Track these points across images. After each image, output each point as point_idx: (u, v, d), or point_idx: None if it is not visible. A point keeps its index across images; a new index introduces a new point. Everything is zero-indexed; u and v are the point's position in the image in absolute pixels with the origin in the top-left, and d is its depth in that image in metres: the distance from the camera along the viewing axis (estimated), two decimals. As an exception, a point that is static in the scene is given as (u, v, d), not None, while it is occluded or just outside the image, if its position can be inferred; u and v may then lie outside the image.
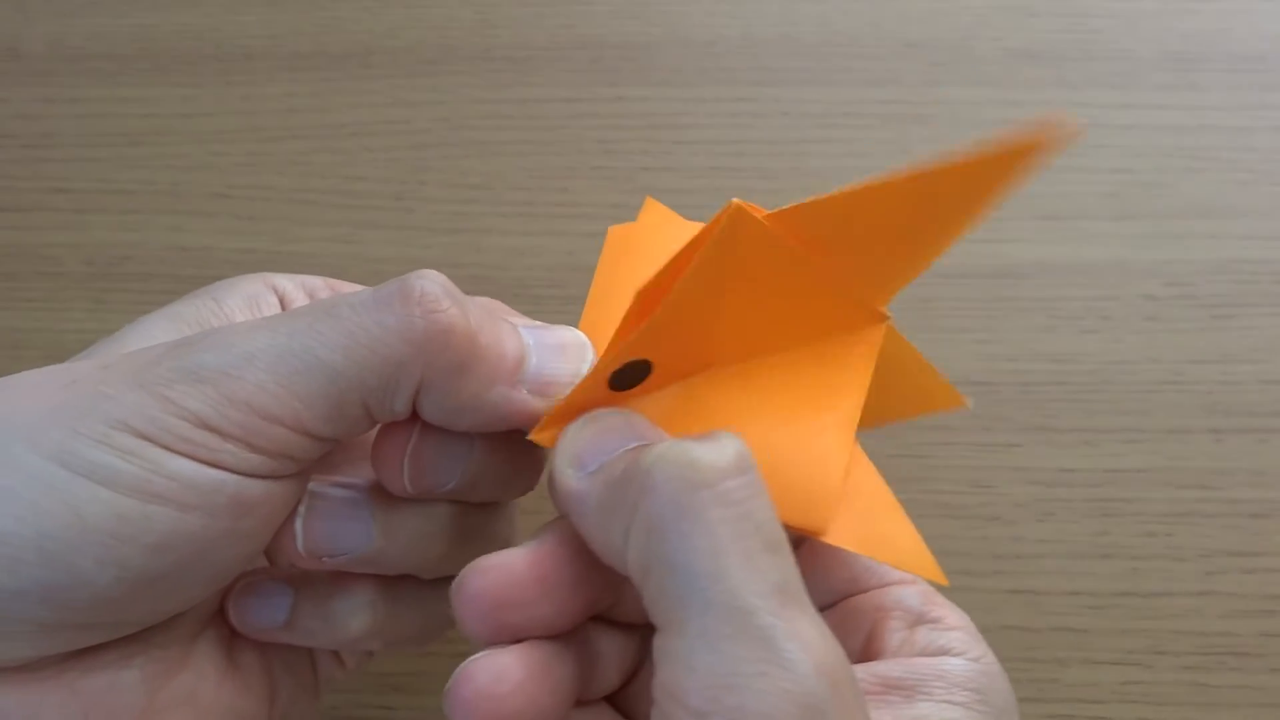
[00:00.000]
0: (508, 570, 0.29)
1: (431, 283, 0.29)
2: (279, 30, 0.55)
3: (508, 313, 0.35)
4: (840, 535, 0.31)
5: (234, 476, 0.28)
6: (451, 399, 0.29)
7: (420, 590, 0.35)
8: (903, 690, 0.30)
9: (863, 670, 0.30)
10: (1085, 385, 0.47)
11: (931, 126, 0.52)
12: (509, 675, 0.28)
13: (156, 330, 0.33)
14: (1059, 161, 0.50)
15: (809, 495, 0.30)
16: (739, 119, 0.53)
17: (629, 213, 0.38)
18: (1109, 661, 0.44)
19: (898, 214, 0.29)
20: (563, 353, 0.31)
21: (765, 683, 0.24)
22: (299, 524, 0.31)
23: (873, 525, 0.32)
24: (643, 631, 0.34)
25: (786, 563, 0.26)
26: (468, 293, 0.30)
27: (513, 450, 0.33)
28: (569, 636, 0.30)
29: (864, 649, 0.33)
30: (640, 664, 0.34)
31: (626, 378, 0.30)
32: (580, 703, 0.32)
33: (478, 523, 0.34)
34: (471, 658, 0.28)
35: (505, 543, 0.34)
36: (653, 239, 0.35)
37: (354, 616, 0.33)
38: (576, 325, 0.33)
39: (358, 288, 0.34)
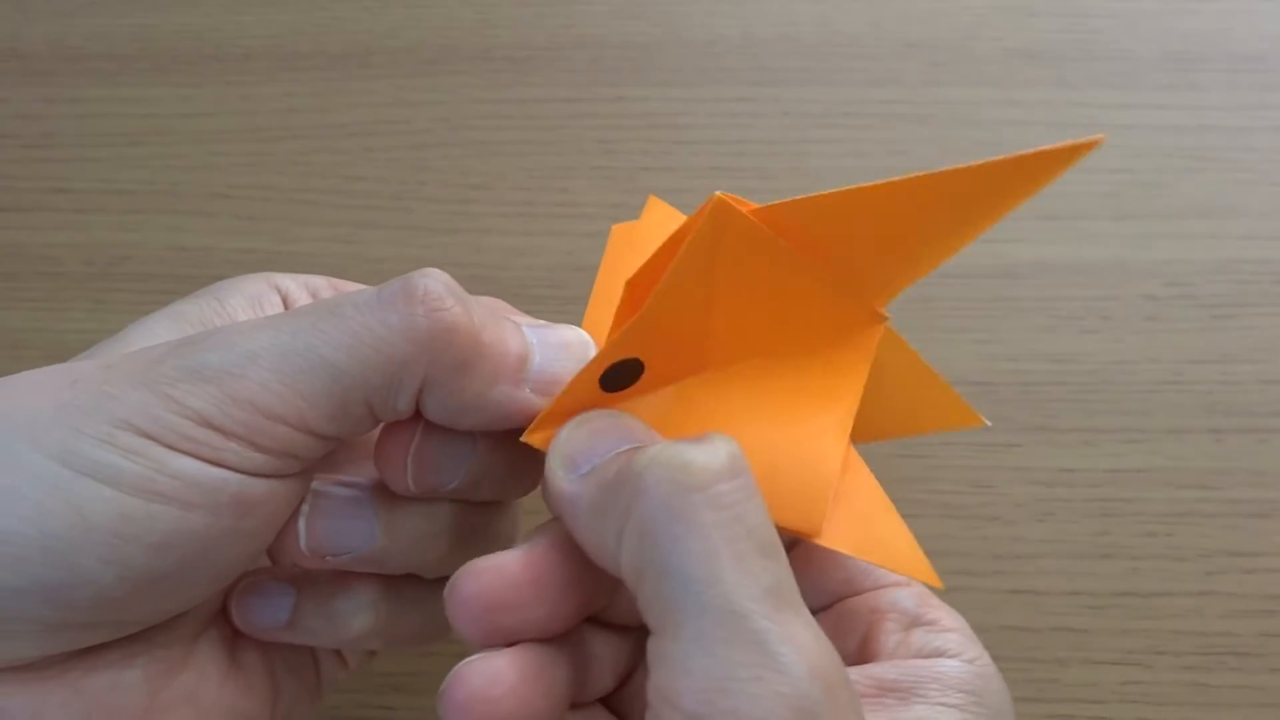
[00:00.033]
0: (501, 573, 0.29)
1: (435, 281, 0.29)
2: (279, 30, 0.55)
3: (511, 312, 0.35)
4: (834, 538, 0.31)
5: (237, 475, 0.28)
6: (455, 398, 0.29)
7: (423, 590, 0.35)
8: (898, 692, 0.30)
9: (858, 673, 0.30)
10: (1085, 385, 0.47)
11: (931, 126, 0.52)
12: (503, 678, 0.28)
13: (159, 330, 0.33)
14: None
15: (803, 497, 0.30)
16: (739, 119, 0.53)
17: (629, 213, 0.38)
18: (1109, 661, 0.44)
19: (896, 218, 0.29)
20: (566, 351, 0.31)
21: (760, 686, 0.24)
22: (302, 523, 0.31)
23: (867, 527, 0.32)
24: (637, 633, 0.34)
25: (780, 566, 0.26)
26: (469, 293, 0.30)
27: (516, 449, 0.33)
28: (563, 639, 0.30)
29: (859, 651, 0.33)
30: (635, 666, 0.34)
31: (619, 379, 0.30)
32: (575, 705, 0.32)
33: (481, 522, 0.34)
34: (465, 660, 0.28)
35: (508, 542, 0.34)
36: (655, 237, 0.35)
37: (356, 616, 0.33)
38: (579, 325, 0.33)
39: (361, 287, 0.34)
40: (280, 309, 0.36)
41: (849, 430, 0.32)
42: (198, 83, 0.55)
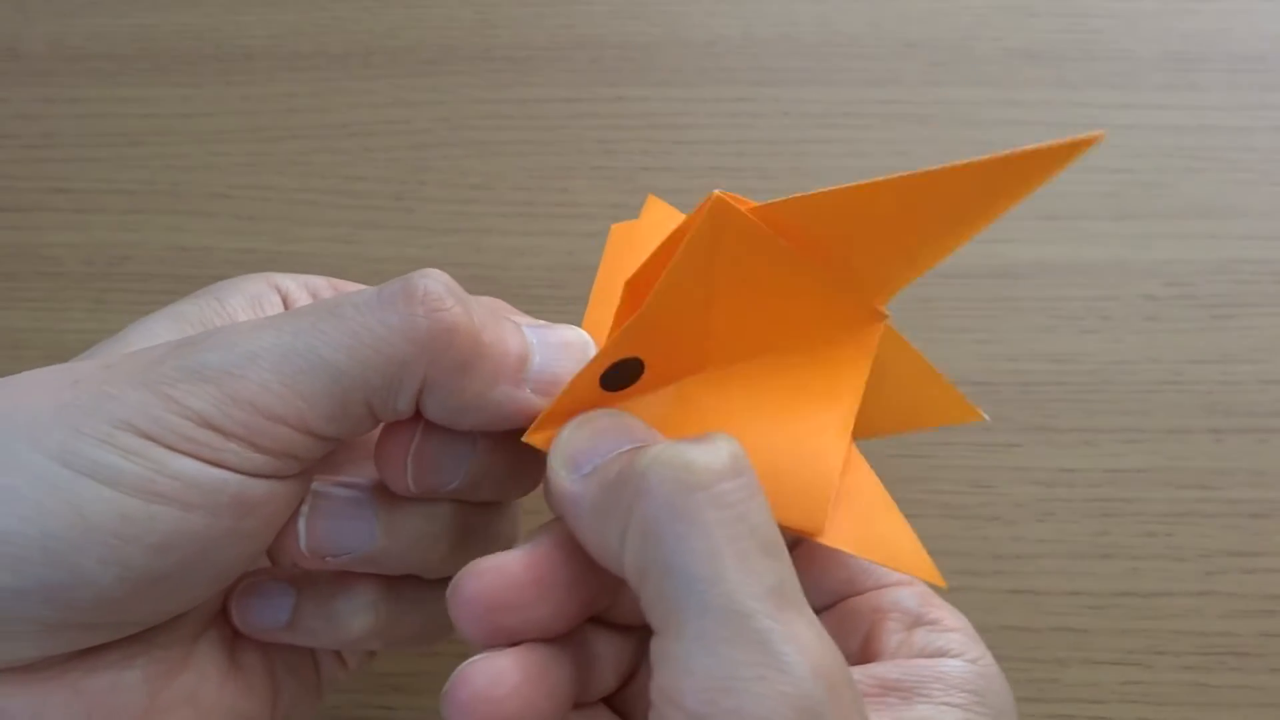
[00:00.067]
0: (503, 573, 0.29)
1: (435, 281, 0.29)
2: (279, 30, 0.55)
3: (511, 312, 0.35)
4: (837, 537, 0.31)
5: (237, 476, 0.28)
6: (455, 398, 0.29)
7: (423, 590, 0.35)
8: (901, 692, 0.30)
9: (860, 672, 0.30)
10: (1085, 385, 0.47)
11: (931, 126, 0.52)
12: (506, 678, 0.28)
13: (159, 330, 0.33)
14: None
15: (805, 496, 0.30)
16: (739, 119, 0.53)
17: (629, 213, 0.38)
18: (1109, 661, 0.44)
19: (895, 215, 0.29)
20: (566, 351, 0.31)
21: (763, 686, 0.24)
22: (302, 523, 0.31)
23: (870, 526, 0.32)
24: (640, 633, 0.34)
25: (783, 565, 0.26)
26: (469, 293, 0.30)
27: (516, 450, 0.33)
28: (566, 639, 0.30)
29: (862, 651, 0.33)
30: (637, 666, 0.34)
31: (620, 379, 0.30)
32: (578, 705, 0.32)
33: (481, 522, 0.34)
34: (468, 660, 0.28)
35: (508, 542, 0.34)
36: (655, 237, 0.35)
37: (356, 617, 0.33)
38: (579, 325, 0.33)
39: (361, 287, 0.34)
40: (280, 309, 0.36)
41: (850, 429, 0.32)
42: (198, 83, 0.55)
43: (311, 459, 0.29)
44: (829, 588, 0.34)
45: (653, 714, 0.25)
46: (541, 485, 0.35)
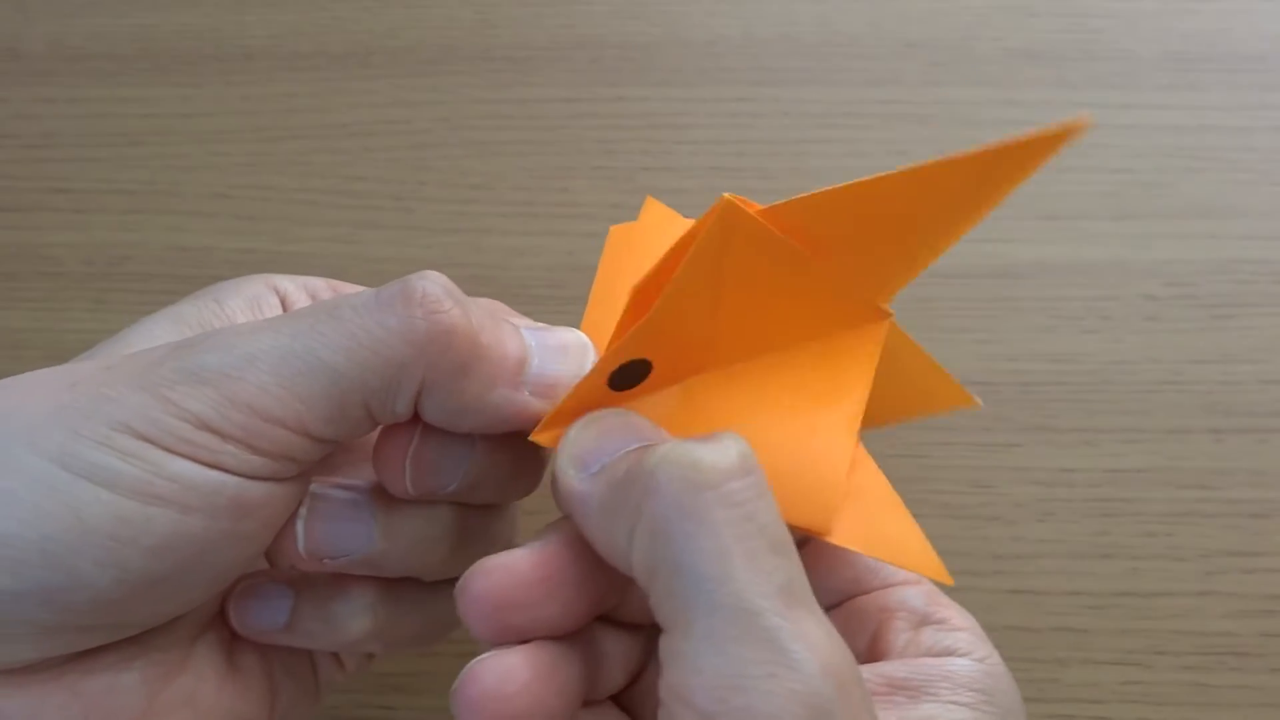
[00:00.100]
0: (511, 571, 0.29)
1: (433, 283, 0.29)
2: (279, 30, 0.55)
3: (509, 314, 0.35)
4: (845, 535, 0.31)
5: (235, 478, 0.28)
6: (453, 400, 0.29)
7: (421, 593, 0.35)
8: (908, 691, 0.30)
9: (868, 671, 0.30)
10: (1085, 385, 0.47)
11: (931, 126, 0.52)
12: (515, 675, 0.28)
13: (158, 331, 0.33)
14: (1059, 161, 0.50)
15: (813, 495, 0.30)
16: (739, 119, 0.53)
17: (629, 213, 0.38)
18: (1109, 661, 0.44)
19: (895, 211, 0.29)
20: (564, 354, 0.31)
21: (773, 684, 0.24)
22: (300, 525, 0.31)
23: (877, 525, 0.32)
24: (648, 631, 0.34)
25: (792, 563, 0.26)
26: (468, 293, 0.30)
27: (514, 452, 0.33)
28: (574, 637, 0.30)
29: (869, 650, 0.33)
30: (645, 664, 0.34)
31: (627, 378, 0.30)
32: (586, 703, 0.32)
33: (479, 524, 0.34)
34: (478, 658, 0.28)
35: (507, 544, 0.34)
36: (654, 238, 0.35)
37: (355, 619, 0.33)
38: (577, 326, 0.33)
39: (360, 289, 0.34)
40: (279, 311, 0.36)
41: (858, 427, 0.32)
42: (198, 83, 0.55)
43: (310, 461, 0.29)
44: (836, 587, 0.34)
45: (662, 712, 0.25)
46: (539, 487, 0.35)
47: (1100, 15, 0.53)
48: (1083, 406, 0.47)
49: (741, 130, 0.52)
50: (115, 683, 0.30)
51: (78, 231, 0.52)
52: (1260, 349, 0.47)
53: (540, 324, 0.32)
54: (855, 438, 0.31)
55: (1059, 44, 0.53)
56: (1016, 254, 0.49)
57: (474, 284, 0.48)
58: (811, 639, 0.25)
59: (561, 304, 0.49)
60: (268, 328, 0.29)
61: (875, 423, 0.35)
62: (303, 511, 0.31)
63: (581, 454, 0.29)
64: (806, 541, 0.33)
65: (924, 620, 0.32)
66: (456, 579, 0.34)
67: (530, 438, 0.31)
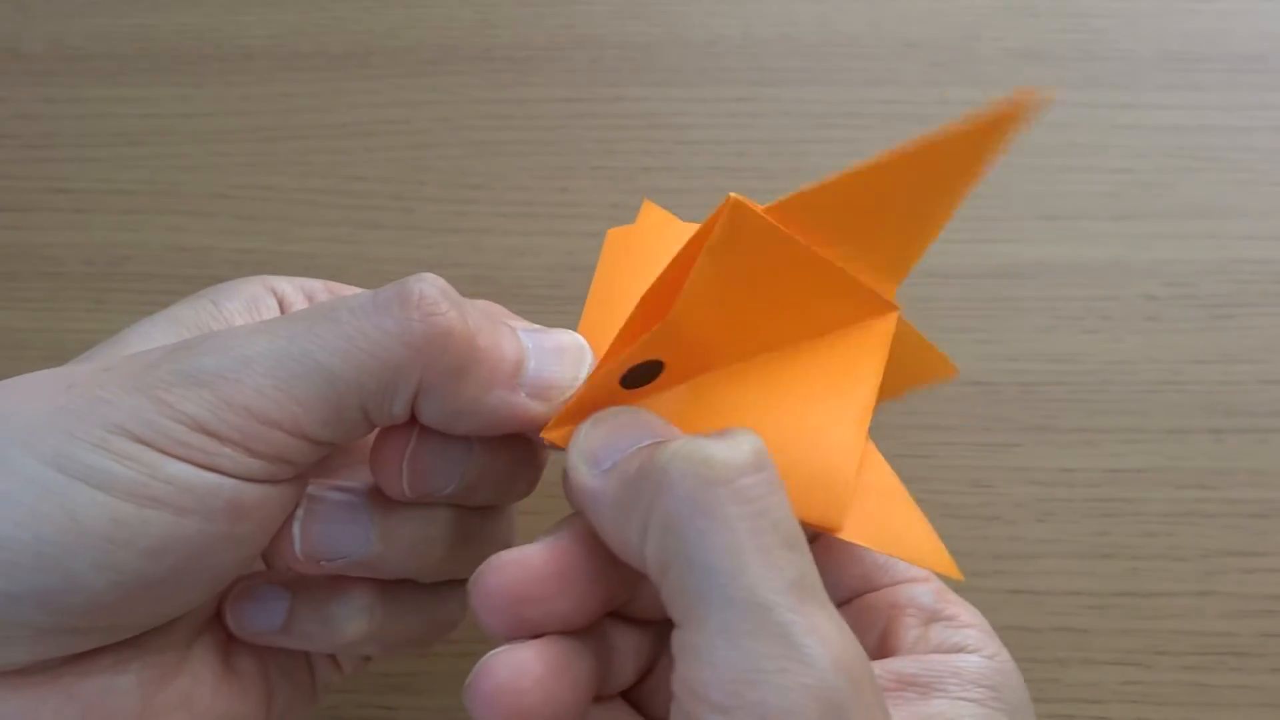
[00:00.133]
0: (525, 566, 0.29)
1: (430, 286, 0.29)
2: (279, 30, 0.55)
3: (507, 316, 0.35)
4: (855, 531, 0.31)
5: (231, 480, 0.28)
6: (450, 402, 0.29)
7: (418, 594, 0.35)
8: (918, 687, 0.30)
9: (878, 667, 0.30)
10: (1085, 385, 0.47)
11: (931, 126, 0.51)
12: (529, 670, 0.28)
13: (155, 334, 0.33)
14: (1059, 161, 0.50)
15: (824, 492, 0.30)
16: (739, 119, 0.53)
17: (629, 213, 0.38)
18: (1109, 661, 0.44)
19: (889, 194, 0.29)
20: (561, 356, 0.31)
21: (786, 678, 0.24)
22: (297, 527, 0.31)
23: (887, 521, 0.32)
24: (658, 627, 0.34)
25: (804, 558, 0.26)
26: (468, 293, 0.30)
27: (512, 454, 0.33)
28: (586, 632, 0.30)
29: (878, 646, 0.33)
30: (655, 660, 0.34)
31: (638, 376, 0.30)
32: (596, 698, 0.32)
33: (476, 526, 0.34)
34: (491, 652, 0.28)
35: (504, 546, 0.34)
36: (651, 241, 0.35)
37: (351, 621, 0.33)
38: (576, 326, 0.33)
39: (357, 291, 0.34)
40: (276, 313, 0.36)
41: (868, 422, 0.32)
42: (198, 83, 0.55)
43: (306, 464, 0.29)
44: (845, 584, 0.35)
45: (675, 706, 0.26)
46: (536, 488, 0.35)
47: (1100, 15, 0.53)
48: (1083, 406, 0.47)
49: (742, 130, 0.52)
50: (111, 685, 0.30)
51: (78, 231, 0.52)
52: (1260, 349, 0.47)
53: (537, 326, 0.33)
54: (865, 433, 0.32)
55: (1059, 44, 0.53)
56: (1016, 254, 0.49)
57: (474, 284, 0.48)
58: (824, 634, 0.25)
59: (561, 304, 0.49)
60: (264, 330, 0.29)
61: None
62: (300, 513, 0.31)
63: (593, 450, 0.29)
64: (816, 538, 0.33)
65: (933, 617, 0.32)
66: (453, 581, 0.34)
67: (541, 435, 0.31)
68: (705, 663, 0.25)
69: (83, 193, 0.53)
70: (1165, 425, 0.46)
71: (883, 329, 0.32)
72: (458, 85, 0.54)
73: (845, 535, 0.31)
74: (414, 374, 0.29)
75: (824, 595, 0.26)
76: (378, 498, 0.32)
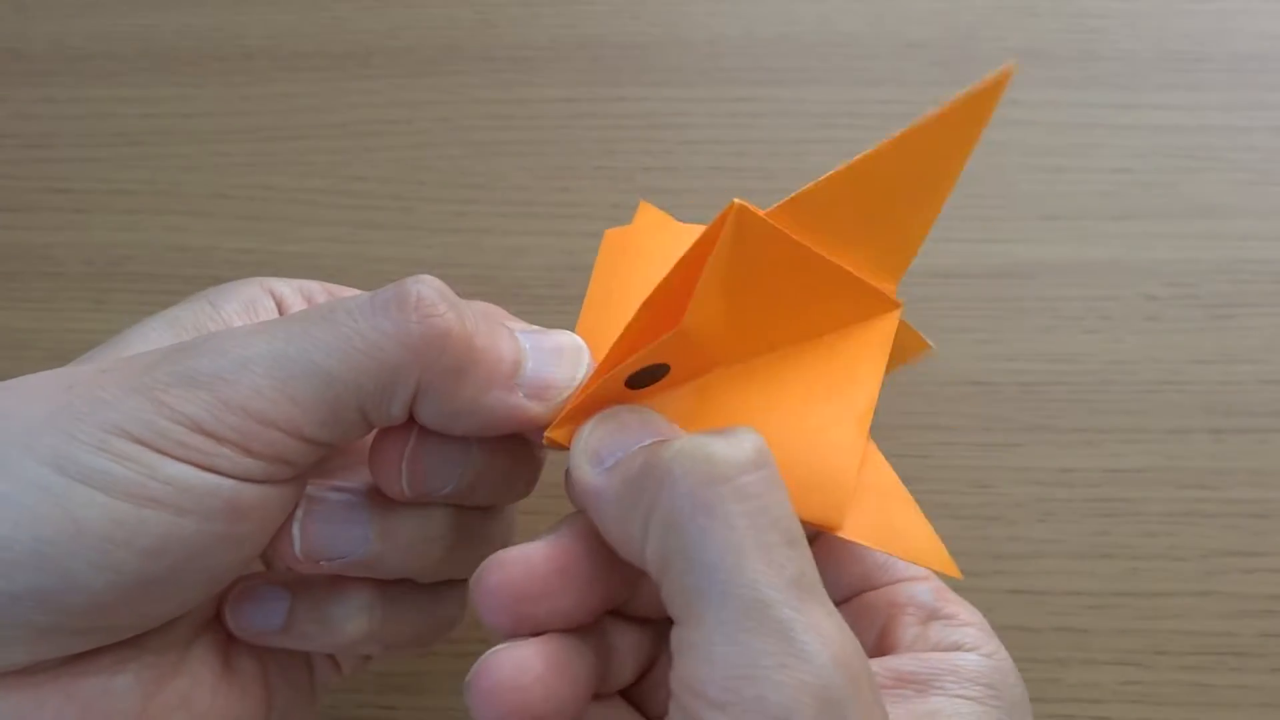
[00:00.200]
0: (527, 563, 0.29)
1: (428, 287, 0.29)
2: (279, 30, 0.55)
3: (505, 318, 0.35)
4: (855, 530, 0.31)
5: (230, 481, 0.28)
6: (448, 403, 0.29)
7: (418, 594, 0.35)
8: (916, 684, 0.30)
9: (877, 664, 0.31)
10: (1085, 385, 0.47)
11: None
12: (529, 667, 0.28)
13: (154, 335, 0.33)
14: (1059, 161, 0.50)
15: (825, 491, 0.31)
16: (739, 119, 0.53)
17: (629, 213, 0.38)
18: (1109, 661, 0.44)
19: (881, 186, 0.29)
20: (559, 356, 0.31)
21: (784, 674, 0.24)
22: (296, 528, 0.31)
23: (887, 520, 0.32)
24: (658, 626, 0.34)
25: (804, 556, 0.26)
26: (467, 294, 0.30)
27: (510, 454, 0.33)
28: (586, 630, 0.30)
29: (877, 644, 0.33)
30: (654, 659, 0.34)
31: (643, 377, 0.31)
32: (596, 696, 0.32)
33: (475, 526, 0.34)
34: (492, 650, 0.28)
35: (503, 546, 0.34)
36: (648, 242, 0.35)
37: (351, 620, 0.33)
38: (574, 327, 0.33)
39: (355, 292, 0.34)
40: (275, 314, 0.36)
41: (869, 421, 0.32)
42: (198, 83, 0.55)
43: (305, 464, 0.29)
44: (845, 582, 0.35)
45: (674, 703, 0.26)
46: (535, 488, 0.35)
47: (1100, 15, 0.53)
48: (1083, 406, 0.47)
49: (742, 130, 0.52)
50: (110, 685, 0.30)
51: (78, 231, 0.52)
52: (1260, 349, 0.47)
53: (535, 327, 0.33)
54: (866, 433, 0.32)
55: (1059, 44, 0.53)
56: (1016, 254, 0.49)
57: (474, 284, 0.48)
58: (823, 631, 0.25)
59: (561, 303, 0.49)
60: (262, 331, 0.29)
61: None
62: (299, 514, 0.31)
63: (597, 449, 0.29)
64: (817, 536, 0.33)
65: (932, 615, 0.33)
66: (453, 581, 0.34)
67: (545, 434, 0.31)
68: (704, 659, 0.25)
69: (83, 193, 0.53)
70: (1165, 425, 0.46)
71: (884, 328, 0.33)
72: (458, 85, 0.54)
73: (845, 534, 0.31)
74: (412, 375, 0.29)
75: (823, 593, 0.26)
76: (377, 498, 0.32)
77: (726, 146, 0.52)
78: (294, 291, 0.37)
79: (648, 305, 0.29)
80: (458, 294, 0.30)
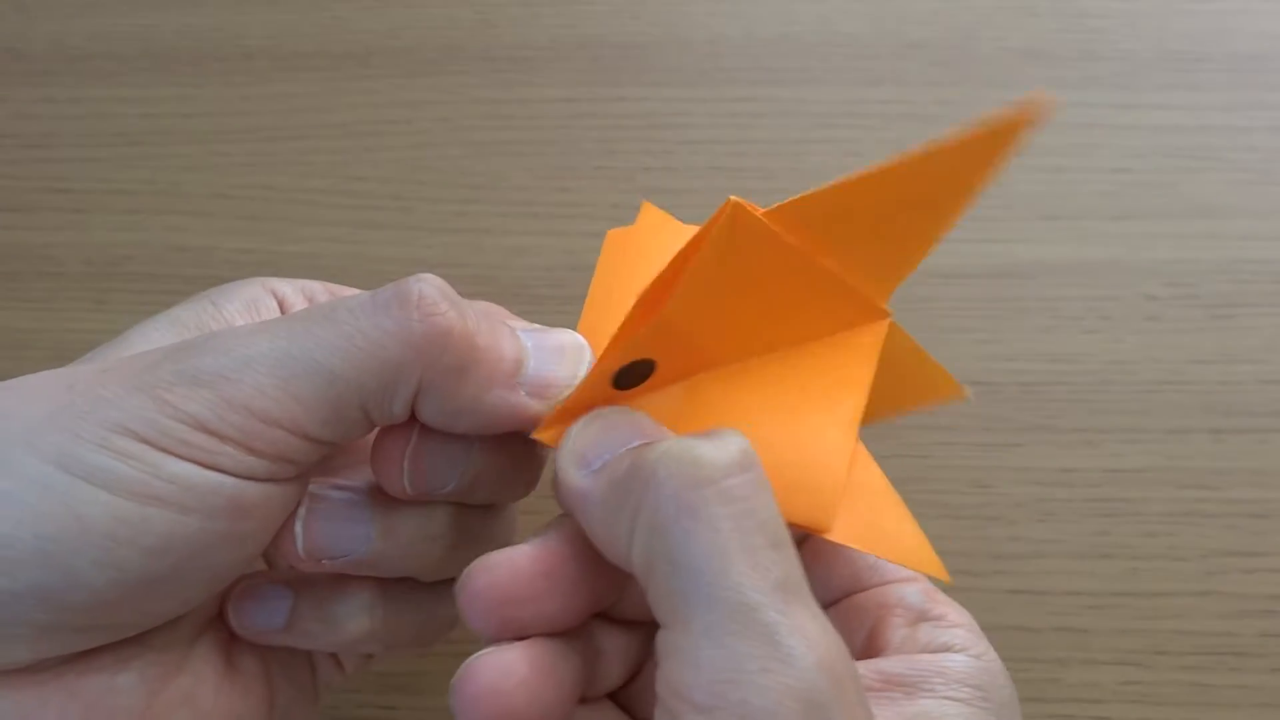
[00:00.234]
0: (513, 567, 0.29)
1: (429, 286, 0.29)
2: (279, 30, 0.55)
3: (506, 316, 0.35)
4: (844, 532, 0.31)
5: (232, 479, 0.28)
6: (450, 401, 0.29)
7: (420, 593, 0.35)
8: (904, 686, 0.30)
9: (864, 666, 0.30)
10: (1086, 385, 0.47)
11: (931, 126, 0.52)
12: (514, 671, 0.28)
13: (156, 335, 0.33)
14: (1059, 161, 0.51)
15: (812, 493, 0.30)
16: (739, 119, 0.53)
17: (629, 213, 0.38)
18: (1109, 661, 0.44)
19: (889, 202, 0.29)
20: (561, 355, 0.31)
21: (768, 679, 0.24)
22: (299, 526, 0.31)
23: (876, 522, 0.32)
24: (646, 629, 0.34)
25: (789, 558, 0.26)
26: (468, 293, 0.30)
27: (512, 452, 0.33)
28: (573, 634, 0.30)
29: (866, 646, 0.33)
30: (643, 661, 0.34)
31: (630, 377, 0.30)
32: (584, 700, 0.32)
33: (477, 525, 0.34)
34: (476, 654, 0.28)
35: (504, 545, 0.34)
36: (650, 242, 0.35)
37: (353, 619, 0.33)
38: (575, 326, 0.33)
39: (357, 292, 0.34)
40: (276, 314, 0.36)
41: (858, 424, 0.32)
42: (198, 83, 0.55)
43: (307, 463, 0.29)
44: (834, 584, 0.35)
45: (659, 707, 0.25)
46: (537, 487, 0.35)
47: (1100, 15, 0.53)
48: (1083, 406, 0.47)
49: (742, 130, 0.52)
50: (113, 683, 0.30)
51: (78, 231, 0.52)
52: (1260, 349, 0.47)
53: (536, 325, 0.33)
54: (855, 435, 0.32)
55: (1059, 44, 0.53)
56: (1016, 254, 0.49)
57: (474, 284, 0.48)
58: (807, 634, 0.25)
59: (561, 303, 0.49)
60: (264, 330, 0.29)
61: (874, 417, 0.35)
62: (302, 512, 0.31)
63: (583, 451, 0.29)
64: (806, 538, 0.33)
65: (921, 617, 0.32)
66: (455, 579, 0.34)
67: (532, 436, 0.31)
68: (689, 663, 0.25)
69: (83, 193, 0.53)
70: (1165, 425, 0.46)
71: (874, 335, 0.33)
72: (458, 85, 0.54)
73: (834, 536, 0.31)
74: (414, 373, 0.29)
75: (809, 595, 0.26)
76: (379, 496, 0.32)
77: (726, 146, 0.52)
78: (296, 291, 0.37)
79: (641, 301, 0.29)
80: (458, 294, 0.30)
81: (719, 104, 0.53)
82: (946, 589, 0.33)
